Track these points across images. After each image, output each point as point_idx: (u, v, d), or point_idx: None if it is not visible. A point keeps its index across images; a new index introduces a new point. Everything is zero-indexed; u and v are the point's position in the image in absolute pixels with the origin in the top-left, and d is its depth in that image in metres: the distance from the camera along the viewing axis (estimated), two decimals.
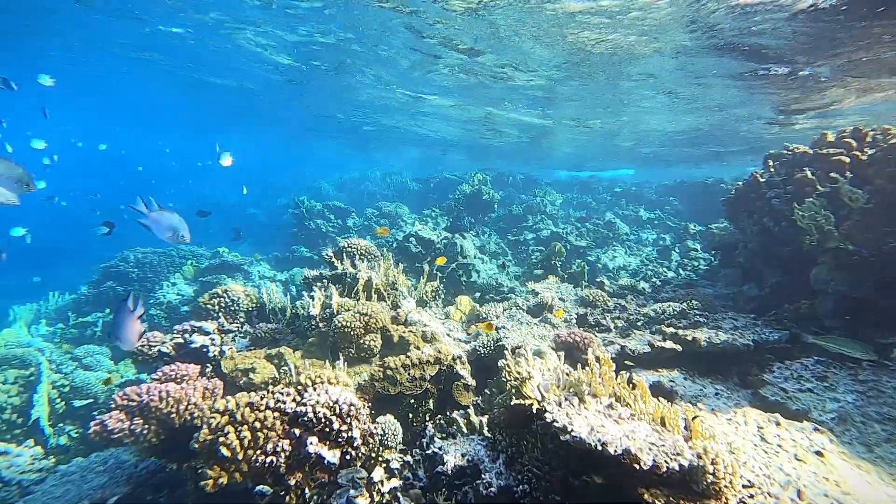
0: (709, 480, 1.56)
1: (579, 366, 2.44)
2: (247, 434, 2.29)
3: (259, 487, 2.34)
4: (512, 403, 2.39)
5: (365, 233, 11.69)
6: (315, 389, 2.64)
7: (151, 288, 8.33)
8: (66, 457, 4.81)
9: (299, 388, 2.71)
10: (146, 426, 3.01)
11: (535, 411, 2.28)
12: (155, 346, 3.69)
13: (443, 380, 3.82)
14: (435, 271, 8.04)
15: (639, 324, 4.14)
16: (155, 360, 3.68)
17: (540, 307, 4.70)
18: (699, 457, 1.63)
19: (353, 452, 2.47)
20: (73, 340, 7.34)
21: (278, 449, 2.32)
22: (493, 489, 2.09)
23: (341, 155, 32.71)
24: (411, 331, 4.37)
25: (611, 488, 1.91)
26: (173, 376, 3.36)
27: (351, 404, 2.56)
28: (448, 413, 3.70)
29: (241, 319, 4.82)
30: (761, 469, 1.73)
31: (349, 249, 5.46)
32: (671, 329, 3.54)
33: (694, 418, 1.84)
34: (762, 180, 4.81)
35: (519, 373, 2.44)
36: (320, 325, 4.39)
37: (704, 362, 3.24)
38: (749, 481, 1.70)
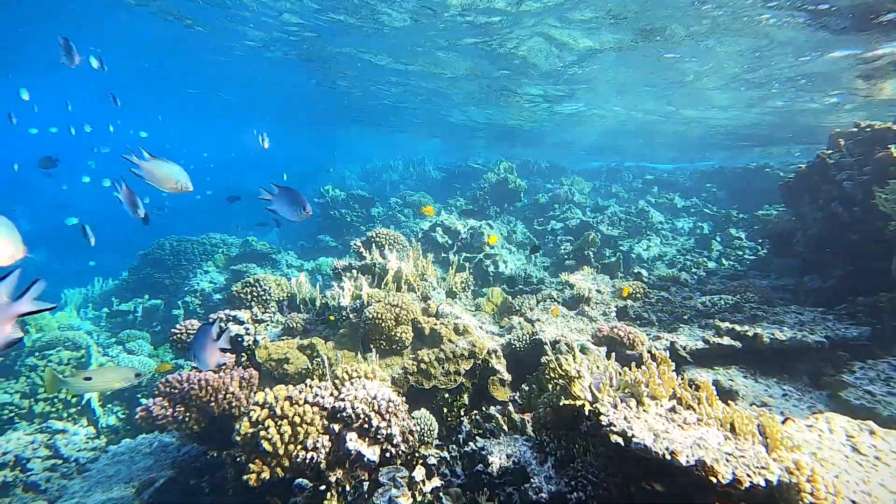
0: (806, 501, 1.39)
1: (633, 364, 2.28)
2: (287, 429, 2.25)
3: (299, 481, 2.31)
4: (561, 404, 2.25)
5: (389, 222, 11.66)
6: (352, 384, 2.57)
7: (185, 275, 8.55)
8: (115, 437, 5.01)
9: (336, 382, 2.65)
10: (188, 414, 3.03)
11: (586, 413, 2.14)
12: (192, 335, 3.72)
13: (477, 374, 3.72)
14: (462, 262, 7.93)
15: (685, 318, 3.90)
16: None
17: (576, 299, 4.51)
18: (790, 472, 1.46)
19: (393, 450, 2.39)
20: (116, 324, 7.63)
21: (318, 445, 2.27)
22: (543, 495, 1.97)
23: (364, 143, 32.78)
24: (443, 323, 4.27)
25: (677, 500, 1.76)
26: None
27: (390, 400, 2.48)
28: (483, 408, 3.61)
29: (273, 309, 4.84)
30: (858, 486, 1.55)
31: (378, 239, 5.39)
32: (726, 324, 3.30)
33: (784, 421, 1.66)
34: (830, 161, 4.41)
35: (566, 371, 2.30)
36: (350, 315, 4.35)
37: (765, 360, 3.00)
38: (853, 502, 1.51)
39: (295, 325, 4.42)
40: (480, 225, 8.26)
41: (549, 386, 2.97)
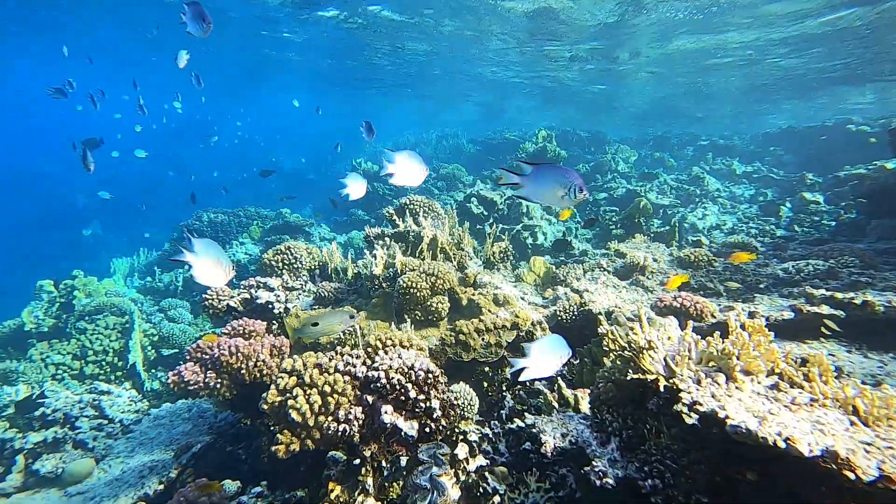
0: None
1: (716, 334, 1.89)
2: (316, 398, 2.05)
3: (333, 453, 2.12)
4: (628, 378, 1.91)
5: (422, 195, 11.37)
6: (387, 353, 2.34)
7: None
8: (158, 402, 5.15)
9: (369, 350, 2.43)
10: (219, 380, 2.94)
11: (661, 388, 1.80)
12: (224, 301, 3.63)
13: (521, 347, 3.42)
14: (499, 233, 7.55)
15: (761, 286, 3.39)
16: (224, 314, 3.64)
17: (629, 269, 4.08)
18: None
19: (433, 425, 2.15)
20: (159, 293, 7.89)
21: (350, 417, 2.06)
22: (608, 480, 1.67)
23: (394, 117, 32.38)
24: (481, 293, 3.98)
25: (787, 496, 1.41)
26: (241, 331, 3.28)
27: (428, 371, 2.23)
28: (528, 382, 3.32)
29: (304, 277, 4.71)
30: None
31: (411, 206, 5.12)
32: (821, 291, 2.80)
33: None
34: None
35: (634, 341, 1.94)
36: (383, 285, 4.13)
37: (875, 332, 2.51)
38: None
39: (326, 294, 4.26)
40: None
41: (607, 360, 2.63)
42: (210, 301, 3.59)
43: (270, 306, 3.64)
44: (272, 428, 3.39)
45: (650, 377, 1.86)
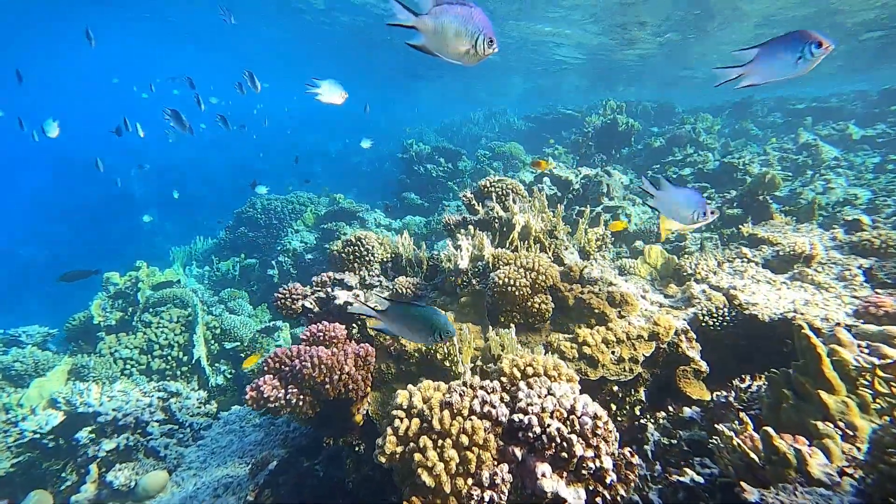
0: None
1: None
2: (453, 455, 1.47)
3: None
4: None
5: (478, 176, 10.63)
6: (530, 386, 1.72)
7: (276, 234, 8.44)
8: (224, 399, 4.91)
9: (504, 379, 1.82)
10: (301, 397, 2.47)
11: None
12: (298, 301, 3.17)
13: (660, 362, 2.74)
14: (574, 216, 6.74)
15: None
16: (299, 315, 3.18)
17: (786, 259, 3.22)
18: None
19: (607, 495, 1.53)
20: (217, 282, 7.78)
21: (497, 480, 1.47)
22: None
23: (441, 98, 31.39)
24: (591, 291, 3.28)
25: None
26: (322, 338, 2.79)
27: (595, 416, 1.59)
28: (672, 408, 2.63)
29: (377, 271, 4.19)
30: None
31: (493, 188, 4.44)
32: None
33: None
34: None
35: None
36: (472, 281, 3.52)
37: None
38: None
39: (405, 290, 3.72)
40: (596, 173, 6.91)
41: (836, 403, 1.88)
42: (283, 300, 3.14)
43: (350, 307, 3.14)
44: (357, 449, 2.92)
45: None
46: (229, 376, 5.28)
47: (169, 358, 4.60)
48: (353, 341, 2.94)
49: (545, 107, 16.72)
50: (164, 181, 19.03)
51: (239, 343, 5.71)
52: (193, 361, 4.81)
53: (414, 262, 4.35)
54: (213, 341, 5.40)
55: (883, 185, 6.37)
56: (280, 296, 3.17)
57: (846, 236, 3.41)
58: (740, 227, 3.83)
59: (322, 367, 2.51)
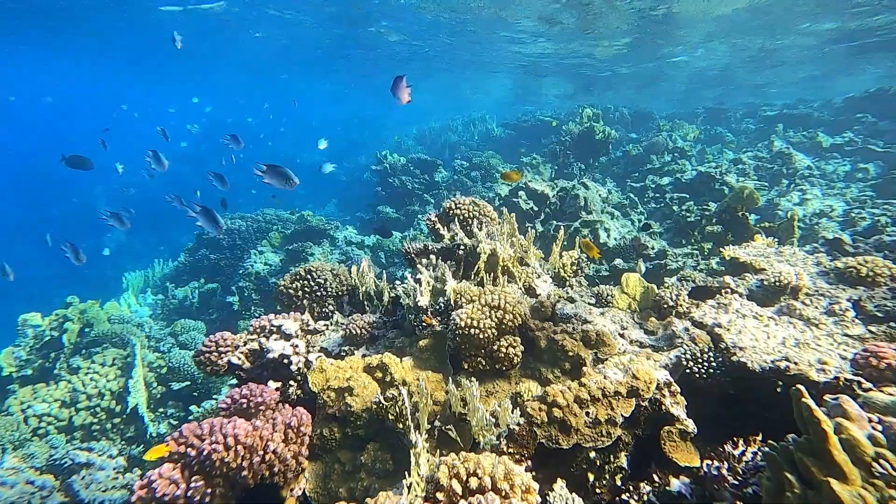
0: None
1: None
2: None
3: None
4: None
5: (456, 188, 10.28)
6: None
7: (240, 255, 7.90)
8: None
9: (440, 498, 1.41)
10: (209, 490, 2.01)
11: None
12: (225, 355, 2.71)
13: (641, 421, 2.37)
14: (552, 231, 6.41)
15: None
16: (224, 374, 2.72)
17: (772, 290, 2.90)
18: None
19: None
20: (174, 311, 7.19)
21: None
22: None
23: (422, 103, 31.10)
24: (565, 330, 2.92)
25: None
26: (246, 406, 2.35)
27: None
28: (658, 475, 2.26)
29: (331, 307, 3.76)
30: None
31: (459, 211, 4.06)
32: None
33: None
34: None
35: None
36: (433, 321, 3.12)
37: None
38: None
39: (359, 331, 3.29)
40: (573, 185, 6.61)
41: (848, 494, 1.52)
42: (207, 356, 2.67)
43: (286, 361, 2.70)
44: None
45: None
46: (175, 422, 4.74)
47: (97, 410, 4.05)
48: (287, 405, 2.50)
49: (523, 113, 16.53)
50: (130, 197, 18.18)
51: (189, 382, 5.18)
52: (129, 410, 4.26)
53: (373, 295, 3.93)
54: (156, 383, 4.86)
55: (855, 195, 6.23)
56: (204, 349, 2.71)
57: (831, 262, 3.12)
58: (721, 249, 3.53)
59: (239, 447, 2.07)
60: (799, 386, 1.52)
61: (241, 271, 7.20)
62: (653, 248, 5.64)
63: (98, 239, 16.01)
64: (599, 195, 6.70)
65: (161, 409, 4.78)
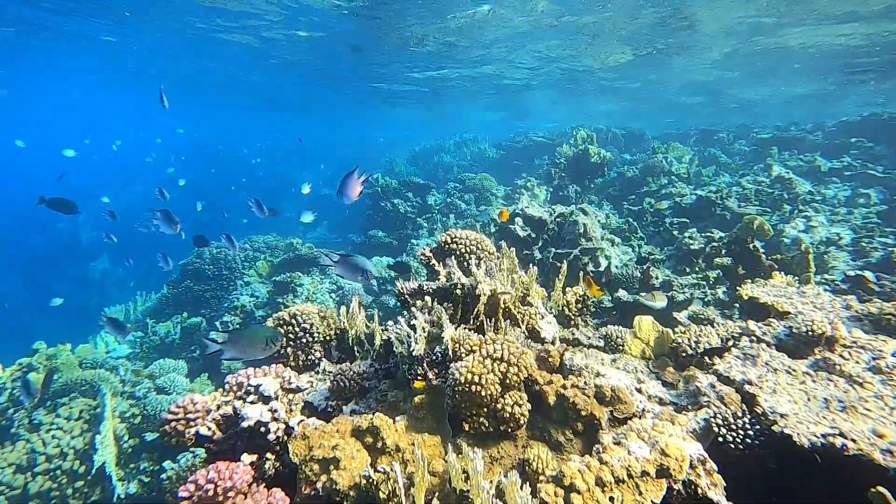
0: None
1: None
2: None
3: None
4: None
5: (448, 211, 10.07)
6: None
7: (227, 286, 7.55)
8: None
9: None
10: None
11: None
12: (193, 424, 2.38)
13: None
14: (551, 259, 6.17)
15: None
16: (193, 446, 2.39)
17: (803, 340, 2.66)
18: None
19: None
20: (154, 349, 6.78)
21: None
22: None
23: (414, 123, 31.29)
24: (576, 385, 2.63)
25: None
26: (210, 493, 2.02)
27: None
28: None
29: (317, 354, 3.44)
30: None
31: (455, 246, 3.80)
32: None
33: None
34: None
35: None
36: (430, 374, 2.83)
37: None
38: None
39: (348, 383, 2.98)
40: (571, 211, 6.41)
41: None
42: (172, 425, 2.34)
43: (263, 429, 2.37)
44: None
45: None
46: (147, 479, 4.31)
47: (58, 473, 3.65)
48: (262, 486, 2.17)
49: (516, 133, 16.56)
50: (116, 223, 17.74)
51: None
52: (94, 470, 3.86)
53: (364, 340, 3.63)
54: (127, 436, 4.45)
55: (860, 222, 6.10)
56: (170, 417, 2.38)
57: (861, 306, 2.90)
58: (738, 288, 3.30)
59: None
60: (882, 490, 1.26)
61: (226, 304, 6.84)
62: (657, 278, 5.42)
63: (83, 266, 15.51)
64: (598, 220, 6.50)
65: (132, 465, 4.36)
